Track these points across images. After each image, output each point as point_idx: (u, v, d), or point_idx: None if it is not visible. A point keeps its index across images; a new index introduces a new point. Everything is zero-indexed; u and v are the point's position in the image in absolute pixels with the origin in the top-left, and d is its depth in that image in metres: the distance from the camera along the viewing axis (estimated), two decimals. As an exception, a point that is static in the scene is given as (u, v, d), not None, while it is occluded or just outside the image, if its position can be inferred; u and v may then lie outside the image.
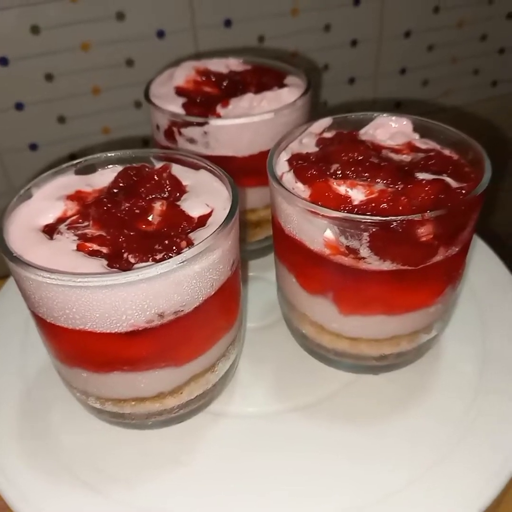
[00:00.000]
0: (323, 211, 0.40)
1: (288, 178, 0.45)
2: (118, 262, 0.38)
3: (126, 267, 0.38)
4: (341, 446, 0.45)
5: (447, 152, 0.48)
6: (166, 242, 0.39)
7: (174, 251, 0.39)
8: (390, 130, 0.51)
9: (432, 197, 0.41)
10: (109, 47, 0.82)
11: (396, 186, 0.42)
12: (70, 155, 0.89)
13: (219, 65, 0.65)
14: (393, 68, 1.04)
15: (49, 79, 0.81)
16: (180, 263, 0.37)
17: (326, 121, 0.53)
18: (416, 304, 0.45)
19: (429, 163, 0.46)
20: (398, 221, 0.39)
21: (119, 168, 0.49)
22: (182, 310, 0.39)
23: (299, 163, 0.46)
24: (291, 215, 0.44)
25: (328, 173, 0.44)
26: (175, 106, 0.57)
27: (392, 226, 0.39)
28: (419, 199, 0.41)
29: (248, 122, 0.54)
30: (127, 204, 0.43)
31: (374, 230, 0.39)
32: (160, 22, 0.83)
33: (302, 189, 0.44)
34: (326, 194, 0.42)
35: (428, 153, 0.47)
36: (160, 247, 0.39)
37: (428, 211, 0.39)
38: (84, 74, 0.83)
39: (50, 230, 0.42)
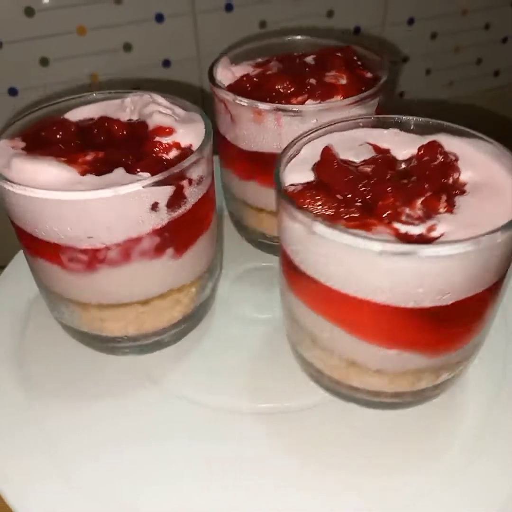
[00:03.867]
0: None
1: None
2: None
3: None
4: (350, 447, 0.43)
5: None
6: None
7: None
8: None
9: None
10: (106, 31, 0.79)
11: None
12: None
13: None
14: (396, 57, 1.02)
15: (44, 64, 0.79)
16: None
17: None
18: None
19: None
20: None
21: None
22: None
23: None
24: None
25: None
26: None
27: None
28: None
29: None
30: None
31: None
32: (159, 5, 0.80)
33: None
34: None
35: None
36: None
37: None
38: (80, 59, 0.80)
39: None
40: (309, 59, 0.58)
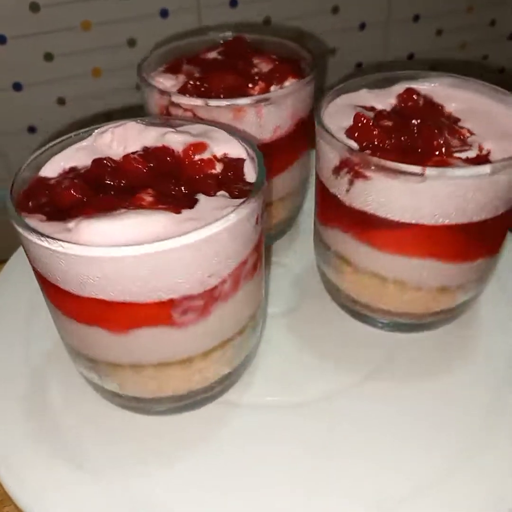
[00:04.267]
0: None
1: None
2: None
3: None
4: (360, 442, 0.43)
5: None
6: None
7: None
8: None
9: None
10: (111, 27, 0.79)
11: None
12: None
13: None
14: (401, 53, 1.01)
15: (48, 59, 0.79)
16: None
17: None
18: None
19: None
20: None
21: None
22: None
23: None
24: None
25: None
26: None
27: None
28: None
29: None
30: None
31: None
32: (164, 0, 0.80)
33: None
34: None
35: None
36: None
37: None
38: (84, 55, 0.80)
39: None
40: (213, 54, 0.59)
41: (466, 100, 0.50)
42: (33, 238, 0.34)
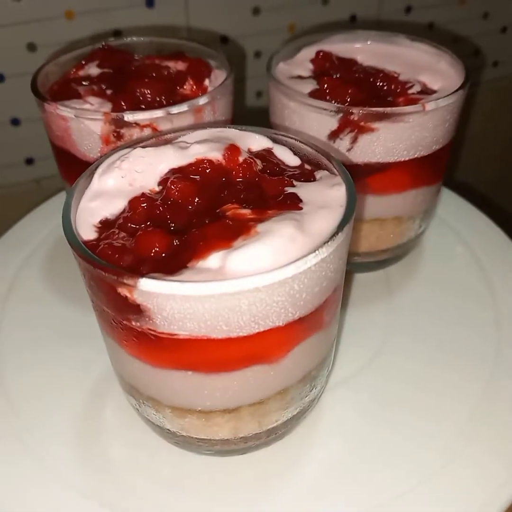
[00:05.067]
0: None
1: None
2: None
3: None
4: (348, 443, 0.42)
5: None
6: None
7: None
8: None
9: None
10: (96, 16, 0.77)
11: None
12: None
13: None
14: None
15: (31, 49, 0.77)
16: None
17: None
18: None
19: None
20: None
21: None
22: None
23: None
24: None
25: None
26: None
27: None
28: None
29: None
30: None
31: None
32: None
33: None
34: None
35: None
36: None
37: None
38: (69, 45, 0.78)
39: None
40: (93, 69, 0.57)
41: (367, 50, 0.58)
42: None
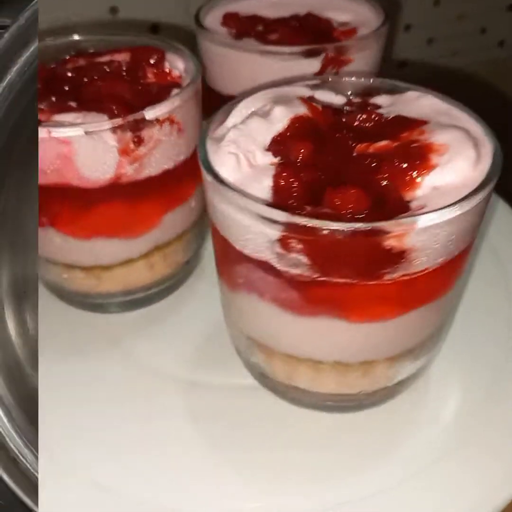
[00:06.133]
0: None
1: None
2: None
3: None
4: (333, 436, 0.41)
5: None
6: None
7: None
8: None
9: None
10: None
11: None
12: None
13: None
14: (398, 25, 0.98)
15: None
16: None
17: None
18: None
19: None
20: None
21: None
22: None
23: None
24: None
25: None
26: None
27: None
28: None
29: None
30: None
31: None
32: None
33: None
34: None
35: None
36: None
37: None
38: (63, 28, 0.76)
39: None
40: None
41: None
42: None
